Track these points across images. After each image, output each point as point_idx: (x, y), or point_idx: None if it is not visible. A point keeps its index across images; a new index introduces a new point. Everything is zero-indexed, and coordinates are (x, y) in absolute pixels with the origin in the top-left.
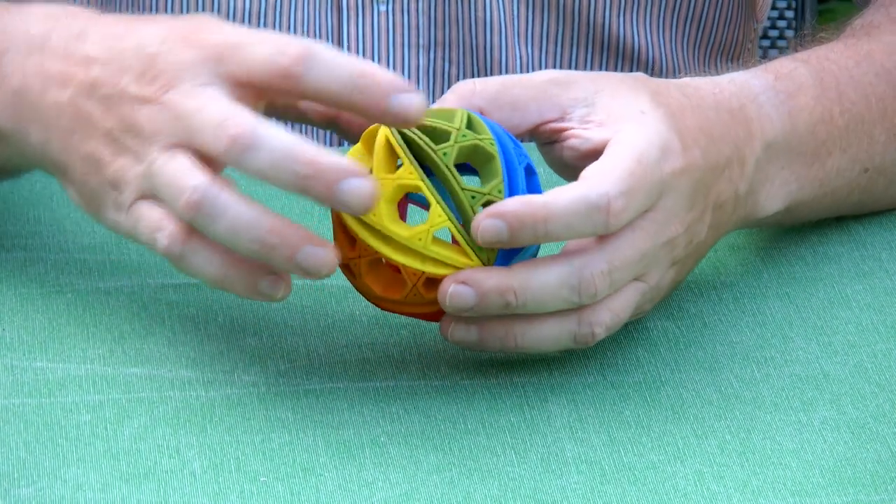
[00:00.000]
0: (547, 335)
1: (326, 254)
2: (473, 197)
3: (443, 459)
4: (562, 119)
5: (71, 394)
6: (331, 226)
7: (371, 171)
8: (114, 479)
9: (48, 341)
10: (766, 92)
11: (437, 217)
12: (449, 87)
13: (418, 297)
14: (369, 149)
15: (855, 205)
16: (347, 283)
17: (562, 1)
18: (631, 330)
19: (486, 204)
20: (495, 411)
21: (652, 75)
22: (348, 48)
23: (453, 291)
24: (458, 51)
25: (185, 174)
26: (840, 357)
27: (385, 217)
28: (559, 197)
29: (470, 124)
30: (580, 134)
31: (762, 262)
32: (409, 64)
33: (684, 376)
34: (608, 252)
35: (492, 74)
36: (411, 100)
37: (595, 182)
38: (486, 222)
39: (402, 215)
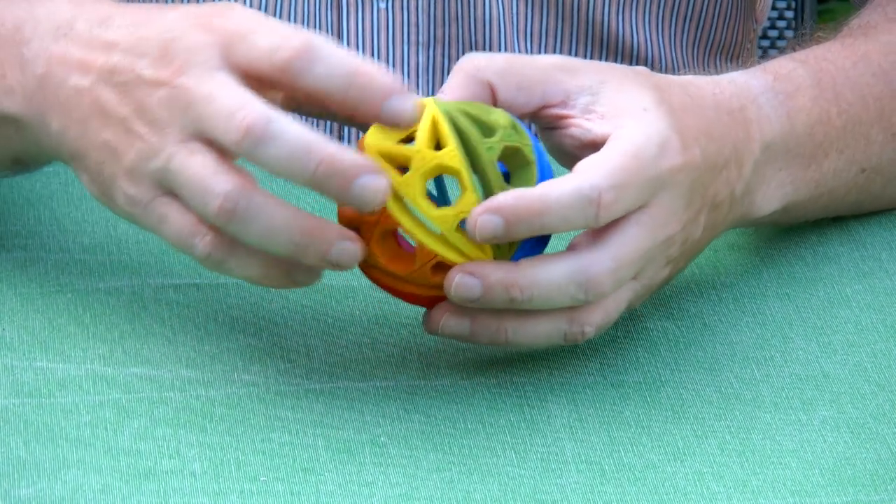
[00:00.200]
0: (538, 332)
1: (356, 248)
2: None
3: (443, 459)
4: (564, 105)
5: (71, 394)
6: None
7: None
8: (114, 479)
9: (48, 341)
10: (765, 93)
11: (469, 205)
12: None
13: (423, 277)
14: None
15: (852, 205)
16: (347, 283)
17: None
18: (631, 330)
19: None
20: (495, 411)
21: None
22: (348, 45)
23: (460, 281)
24: (458, 48)
25: (210, 178)
26: (840, 357)
27: (417, 191)
28: (553, 190)
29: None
30: (582, 124)
31: (762, 262)
32: (408, 61)
33: (684, 376)
34: (613, 249)
35: None
36: (406, 103)
37: (587, 175)
38: (482, 218)
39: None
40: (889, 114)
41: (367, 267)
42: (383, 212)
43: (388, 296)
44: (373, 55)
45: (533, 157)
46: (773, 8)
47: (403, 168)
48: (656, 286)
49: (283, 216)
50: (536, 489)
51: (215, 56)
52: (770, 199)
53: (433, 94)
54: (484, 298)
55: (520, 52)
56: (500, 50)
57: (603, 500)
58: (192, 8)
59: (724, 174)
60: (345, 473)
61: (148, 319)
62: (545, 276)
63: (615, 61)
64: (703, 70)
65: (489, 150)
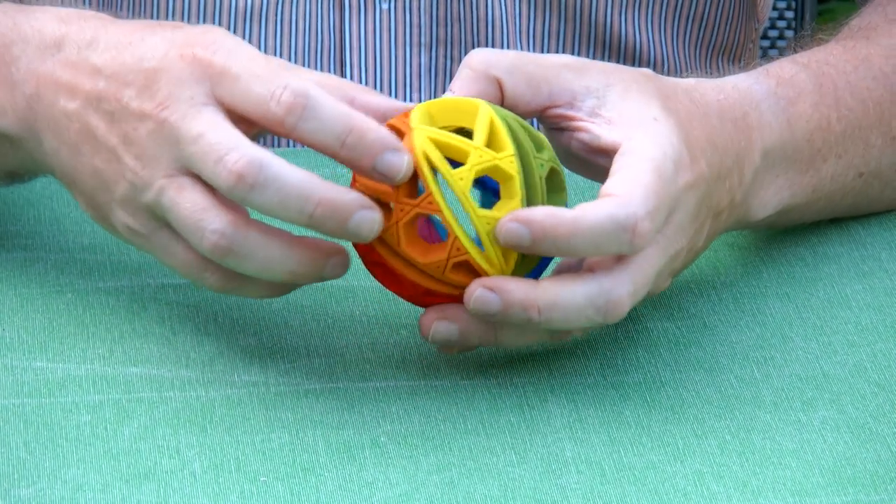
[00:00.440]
0: (526, 338)
1: (343, 262)
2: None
3: (443, 459)
4: (570, 106)
5: (71, 394)
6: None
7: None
8: (114, 479)
9: (48, 341)
10: (767, 99)
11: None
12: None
13: (439, 272)
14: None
15: (849, 207)
16: (347, 284)
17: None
18: (631, 330)
19: None
20: (495, 411)
21: None
22: (350, 46)
23: (479, 295)
24: (460, 49)
25: (201, 215)
26: (840, 357)
27: (467, 186)
28: (587, 214)
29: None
30: (591, 129)
31: (762, 262)
32: (410, 62)
33: (684, 376)
34: (633, 272)
35: None
36: (398, 159)
37: (623, 201)
38: (510, 225)
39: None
40: (889, 118)
41: (379, 245)
42: (426, 197)
43: (388, 297)
44: (375, 56)
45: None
46: (774, 8)
47: (450, 159)
48: (654, 294)
49: (278, 247)
50: (536, 489)
51: (201, 92)
52: (767, 203)
53: (435, 95)
54: (501, 315)
55: None
56: None
57: (603, 500)
58: (174, 33)
59: (727, 183)
60: (345, 474)
61: (148, 319)
62: (565, 298)
63: (618, 62)
64: (706, 71)
65: (540, 165)
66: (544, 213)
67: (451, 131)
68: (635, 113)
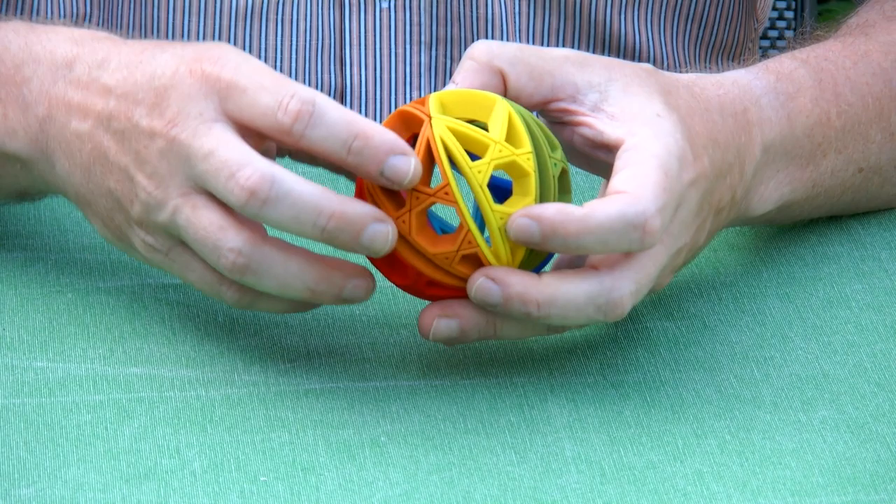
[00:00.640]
0: (524, 331)
1: (367, 285)
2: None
3: (443, 459)
4: (573, 100)
5: (71, 394)
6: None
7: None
8: (114, 479)
9: (48, 341)
10: (767, 94)
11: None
12: None
13: (448, 263)
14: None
15: (849, 203)
16: None
17: None
18: (631, 330)
19: None
20: (495, 411)
21: None
22: (350, 45)
23: (481, 284)
24: (460, 47)
25: (218, 234)
26: (840, 357)
27: (485, 180)
28: (597, 212)
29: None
30: (594, 125)
31: (762, 262)
32: (410, 61)
33: (684, 376)
34: (636, 271)
35: None
36: (405, 164)
37: (633, 199)
38: (521, 220)
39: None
40: (888, 114)
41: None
42: (443, 187)
43: (388, 297)
44: (375, 55)
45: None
46: (774, 8)
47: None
48: (655, 291)
49: (296, 264)
50: (536, 489)
51: (210, 107)
52: (767, 199)
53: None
54: (501, 307)
55: None
56: None
57: (603, 499)
58: (184, 49)
59: (728, 180)
60: (345, 473)
61: (148, 319)
62: (565, 295)
63: None
64: (706, 70)
65: (554, 164)
66: (555, 210)
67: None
68: (638, 109)
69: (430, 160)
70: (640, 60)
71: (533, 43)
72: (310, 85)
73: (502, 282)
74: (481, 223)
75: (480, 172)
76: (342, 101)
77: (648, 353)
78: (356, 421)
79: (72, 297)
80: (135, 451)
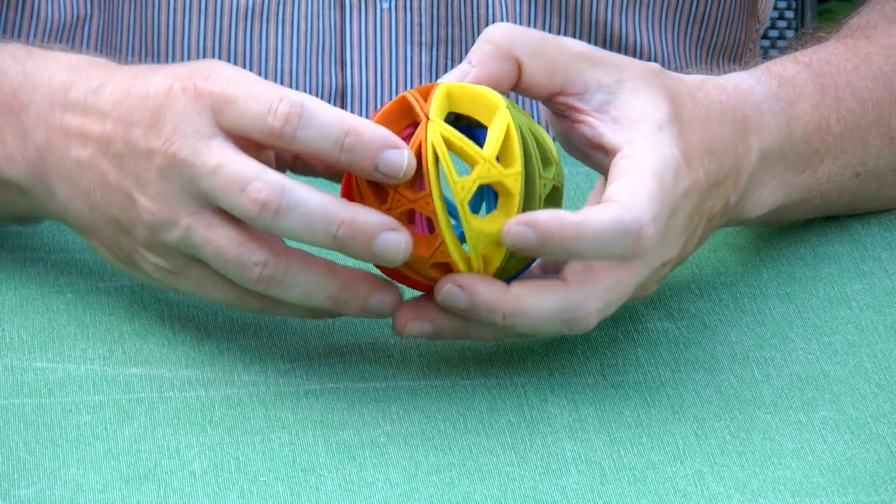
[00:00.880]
0: (496, 335)
1: (392, 298)
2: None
3: (443, 459)
4: (580, 97)
5: (71, 394)
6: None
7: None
8: (114, 479)
9: (48, 341)
10: (768, 100)
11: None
12: None
13: (423, 268)
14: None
15: (845, 206)
16: None
17: None
18: (631, 330)
19: None
20: (495, 411)
21: None
22: (350, 45)
23: (448, 291)
24: (461, 49)
25: (239, 249)
26: (840, 357)
27: (468, 196)
28: (592, 218)
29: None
30: (595, 126)
31: (762, 262)
32: (411, 61)
33: (684, 376)
34: (606, 288)
35: None
36: (399, 157)
37: (627, 206)
38: (516, 228)
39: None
40: (888, 118)
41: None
42: (424, 196)
43: None
44: (375, 56)
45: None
46: (774, 8)
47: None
48: (638, 299)
49: (319, 273)
50: (536, 489)
51: (206, 123)
52: (762, 203)
53: None
54: (468, 313)
55: None
56: None
57: (603, 500)
58: (176, 69)
59: (723, 188)
60: (345, 474)
61: (148, 319)
62: (532, 308)
63: None
64: (707, 71)
65: (544, 185)
66: (549, 216)
67: (464, 123)
68: (641, 114)
69: (420, 161)
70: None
71: None
72: (310, 86)
73: (470, 289)
74: (461, 232)
75: (464, 189)
76: (342, 101)
77: (648, 354)
78: (356, 421)
79: (72, 297)
80: (135, 452)
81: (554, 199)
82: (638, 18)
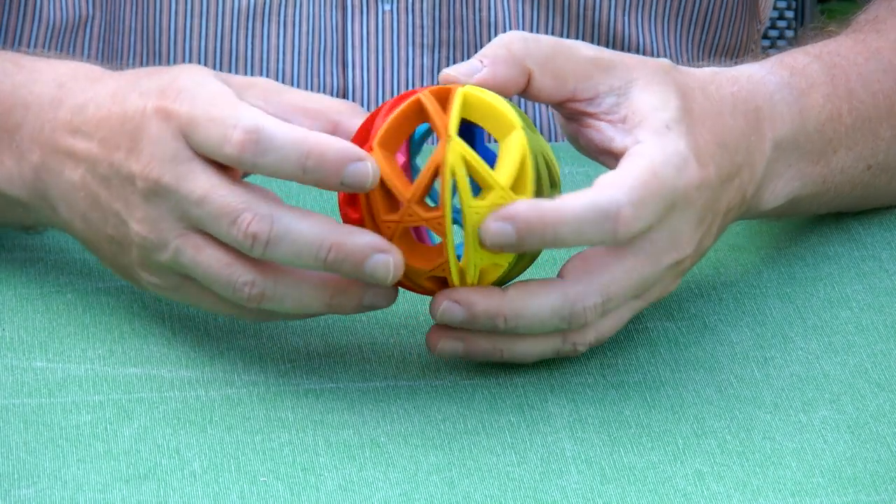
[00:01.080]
0: (531, 351)
1: (386, 298)
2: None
3: (443, 459)
4: (591, 103)
5: (71, 394)
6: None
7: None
8: (114, 479)
9: (48, 341)
10: (780, 90)
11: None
12: None
13: (420, 281)
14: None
15: (857, 200)
16: None
17: (567, 0)
18: (631, 330)
19: None
20: (495, 411)
21: None
22: (352, 47)
23: (445, 308)
24: (462, 51)
25: (227, 270)
26: (840, 357)
27: (479, 222)
28: (569, 202)
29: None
30: (604, 130)
31: (762, 262)
32: (412, 63)
33: (684, 376)
34: (605, 283)
35: None
36: (364, 168)
37: (606, 190)
38: (494, 225)
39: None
40: None
41: (371, 225)
42: (437, 217)
43: None
44: (376, 57)
45: None
46: (774, 8)
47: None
48: (663, 297)
49: (311, 285)
50: (536, 489)
51: (181, 147)
52: (778, 194)
53: None
54: (468, 324)
55: None
56: None
57: (603, 500)
58: (150, 83)
59: (737, 182)
60: (345, 474)
61: (148, 319)
62: (530, 308)
63: None
64: None
65: (476, 214)
66: (526, 206)
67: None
68: (650, 113)
69: (435, 177)
70: None
71: None
72: (311, 87)
73: (465, 302)
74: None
75: (478, 214)
76: None
77: (648, 353)
78: (356, 421)
79: (72, 297)
80: (134, 452)
81: None
82: (640, 20)
